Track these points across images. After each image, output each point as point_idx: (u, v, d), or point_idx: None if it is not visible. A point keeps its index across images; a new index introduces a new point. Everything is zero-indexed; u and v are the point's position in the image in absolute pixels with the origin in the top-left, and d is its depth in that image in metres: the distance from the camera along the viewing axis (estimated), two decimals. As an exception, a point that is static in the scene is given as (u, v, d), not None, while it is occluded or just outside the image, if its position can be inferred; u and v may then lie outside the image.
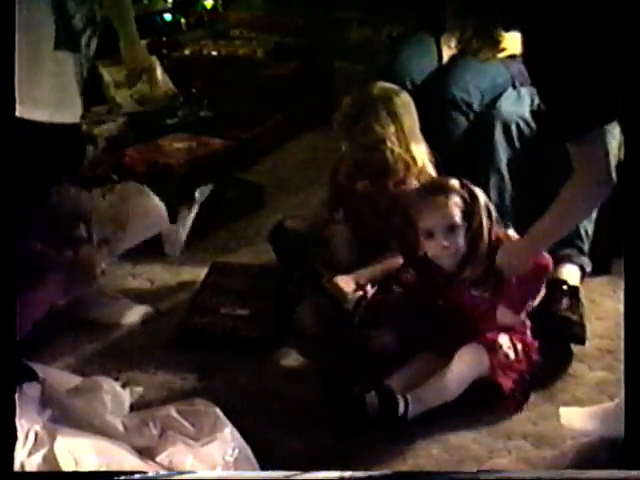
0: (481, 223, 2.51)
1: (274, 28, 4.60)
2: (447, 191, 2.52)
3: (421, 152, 2.85)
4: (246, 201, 3.68)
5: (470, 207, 2.51)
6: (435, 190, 2.55)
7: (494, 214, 2.56)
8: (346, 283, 2.78)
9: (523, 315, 2.54)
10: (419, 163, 2.83)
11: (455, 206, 2.50)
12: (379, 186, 2.85)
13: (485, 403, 2.44)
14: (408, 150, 2.82)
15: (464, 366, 2.43)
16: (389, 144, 2.79)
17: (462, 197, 2.51)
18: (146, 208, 3.04)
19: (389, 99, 2.82)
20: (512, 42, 3.30)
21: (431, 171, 2.86)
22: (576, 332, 2.70)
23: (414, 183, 2.82)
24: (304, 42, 4.62)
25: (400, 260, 2.81)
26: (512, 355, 2.48)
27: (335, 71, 4.55)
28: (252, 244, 3.40)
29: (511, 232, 2.62)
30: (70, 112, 2.80)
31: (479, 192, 2.55)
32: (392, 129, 2.79)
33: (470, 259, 2.53)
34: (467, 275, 2.54)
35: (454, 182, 2.54)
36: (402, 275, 2.73)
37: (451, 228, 2.50)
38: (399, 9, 4.18)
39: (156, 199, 3.10)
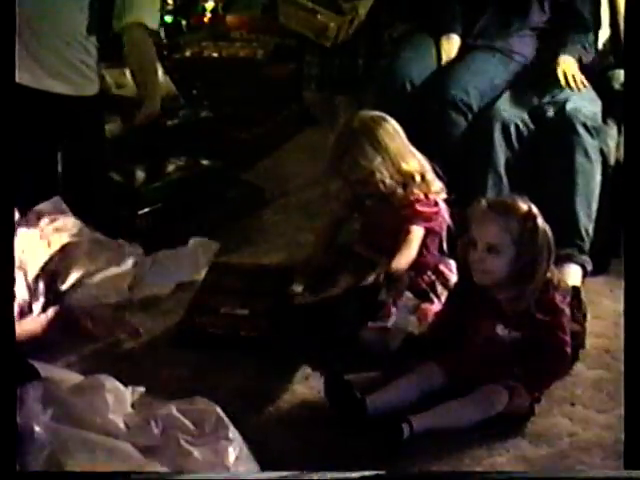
0: (535, 259, 2.43)
1: (274, 30, 4.60)
2: (506, 213, 2.46)
3: (416, 166, 2.83)
4: (246, 201, 3.69)
5: (525, 238, 2.43)
6: (496, 207, 2.49)
7: (553, 257, 2.49)
8: None
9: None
10: (417, 179, 2.82)
11: (504, 230, 2.44)
12: (385, 204, 2.86)
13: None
14: (401, 173, 2.80)
15: (484, 406, 2.40)
16: (378, 176, 2.78)
17: (521, 226, 2.43)
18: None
19: (370, 131, 2.80)
20: None
21: (434, 180, 2.85)
22: (577, 342, 2.68)
23: (419, 195, 2.82)
24: (304, 44, 4.62)
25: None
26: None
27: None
28: (252, 244, 3.41)
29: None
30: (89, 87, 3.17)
31: (545, 230, 2.46)
32: (379, 160, 2.77)
33: (507, 286, 2.48)
34: (502, 302, 2.50)
35: (522, 209, 2.45)
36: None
37: (491, 248, 2.45)
38: (399, 11, 4.19)
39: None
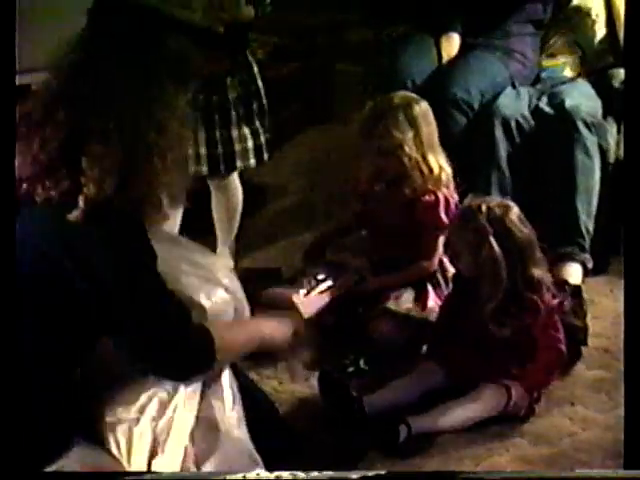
0: (494, 266, 2.44)
1: (274, 29, 4.60)
2: (464, 223, 2.52)
3: (438, 161, 2.84)
4: (246, 201, 3.68)
5: (473, 247, 2.48)
6: (462, 214, 2.57)
7: (535, 257, 2.50)
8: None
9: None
10: (435, 172, 2.82)
11: (460, 238, 2.52)
12: (395, 191, 2.86)
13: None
14: (425, 159, 2.81)
15: (483, 406, 2.41)
16: (407, 149, 2.79)
17: (474, 237, 2.48)
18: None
19: (409, 106, 2.83)
20: None
21: (446, 180, 2.85)
22: (579, 337, 2.70)
23: (429, 191, 2.82)
24: (304, 44, 4.62)
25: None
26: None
27: (335, 73, 4.56)
28: (252, 244, 3.40)
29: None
30: None
31: (497, 242, 2.46)
32: (410, 135, 2.79)
33: (475, 281, 2.53)
34: (485, 298, 2.51)
35: (477, 224, 2.47)
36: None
37: (453, 251, 2.58)
38: (399, 10, 4.18)
39: None
